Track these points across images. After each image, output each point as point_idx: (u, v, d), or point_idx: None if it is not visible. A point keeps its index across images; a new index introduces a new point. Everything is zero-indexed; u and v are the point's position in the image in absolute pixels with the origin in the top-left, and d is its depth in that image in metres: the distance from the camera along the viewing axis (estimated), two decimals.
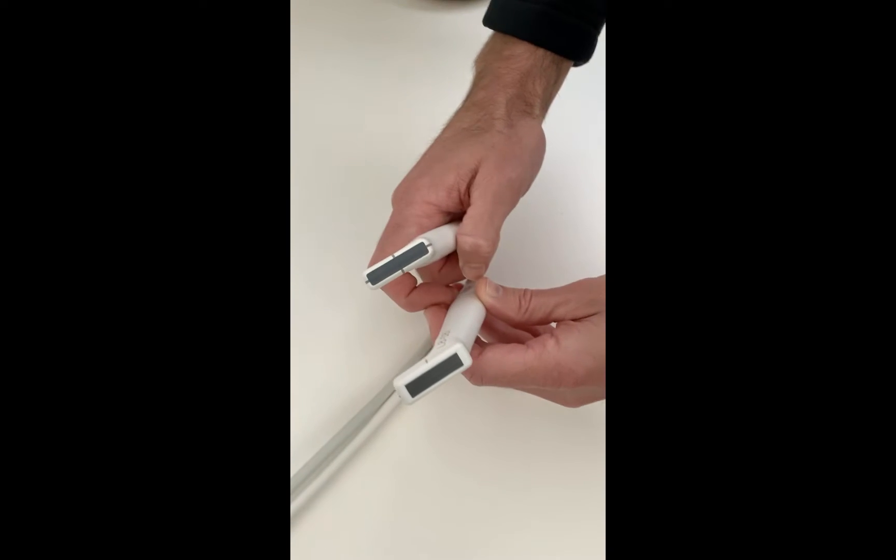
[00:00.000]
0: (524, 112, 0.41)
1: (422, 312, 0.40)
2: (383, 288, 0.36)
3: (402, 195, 0.39)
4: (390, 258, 0.35)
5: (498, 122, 0.40)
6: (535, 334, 0.40)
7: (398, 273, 0.35)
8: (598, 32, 0.45)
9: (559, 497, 0.43)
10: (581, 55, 0.44)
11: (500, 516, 0.42)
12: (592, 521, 0.41)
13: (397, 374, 0.33)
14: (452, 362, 0.32)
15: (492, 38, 0.44)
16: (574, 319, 0.37)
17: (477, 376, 0.36)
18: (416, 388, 0.33)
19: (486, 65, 0.43)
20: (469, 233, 0.37)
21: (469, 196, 0.38)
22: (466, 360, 0.32)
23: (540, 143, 0.41)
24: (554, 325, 0.38)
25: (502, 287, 0.38)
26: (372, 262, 0.38)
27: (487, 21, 0.45)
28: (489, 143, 0.39)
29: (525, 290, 0.38)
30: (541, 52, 0.42)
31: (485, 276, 0.38)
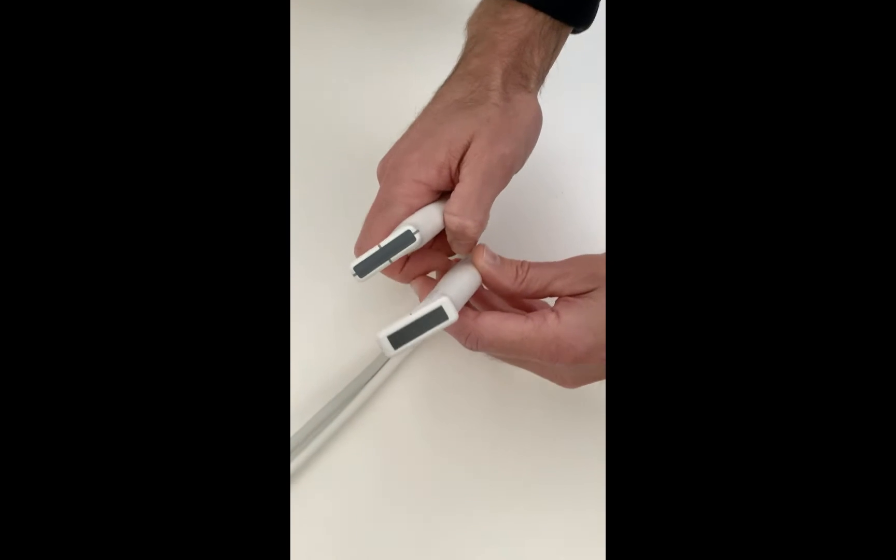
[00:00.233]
0: (520, 85, 0.39)
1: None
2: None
3: (391, 171, 0.37)
4: (376, 249, 0.33)
5: (493, 94, 0.38)
6: (528, 311, 0.39)
7: (385, 263, 0.33)
8: None
9: (553, 467, 0.42)
10: (582, 20, 0.42)
11: (493, 482, 0.42)
12: (590, 499, 0.41)
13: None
14: (437, 315, 0.32)
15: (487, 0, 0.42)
16: (573, 295, 0.36)
17: (472, 339, 0.35)
18: (397, 339, 0.32)
19: (480, 29, 0.40)
20: (456, 213, 0.35)
21: (459, 172, 0.36)
22: (452, 314, 0.31)
23: (536, 119, 0.39)
24: (551, 303, 0.37)
25: (500, 256, 0.37)
26: (358, 243, 0.36)
27: None
28: (483, 116, 0.37)
29: (523, 261, 0.37)
30: (540, 16, 0.40)
31: (482, 243, 0.37)
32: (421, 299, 0.38)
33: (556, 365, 0.35)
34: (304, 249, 0.46)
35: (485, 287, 0.38)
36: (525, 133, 0.38)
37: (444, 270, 0.38)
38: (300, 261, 0.46)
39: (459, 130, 0.36)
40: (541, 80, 0.41)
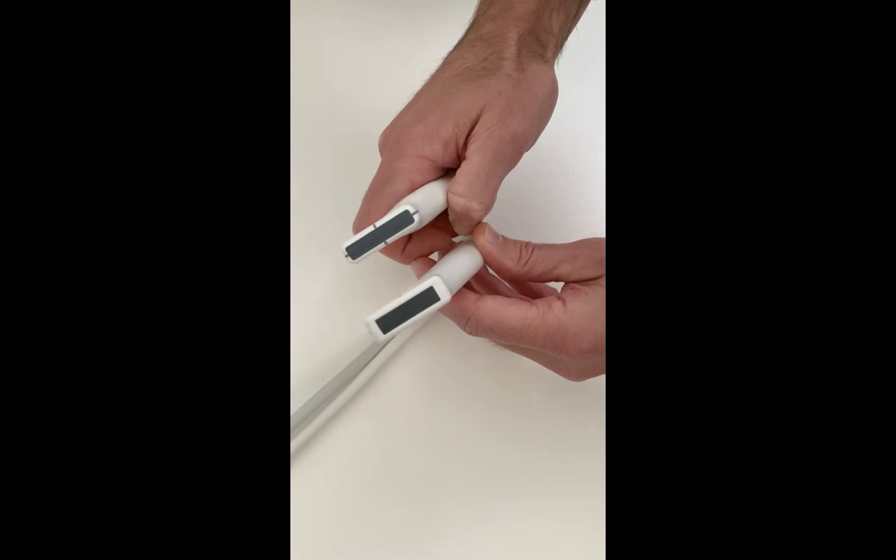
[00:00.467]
0: (536, 53, 0.36)
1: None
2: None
3: (393, 144, 0.34)
4: (371, 229, 0.31)
5: (507, 64, 0.35)
6: (535, 297, 0.37)
7: (381, 245, 0.31)
8: None
9: (555, 456, 0.42)
10: None
11: (492, 465, 0.41)
12: (591, 489, 0.40)
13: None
14: (427, 296, 0.30)
15: None
16: (580, 281, 0.34)
17: (472, 324, 0.33)
18: (387, 323, 0.30)
19: None
20: (462, 193, 0.33)
21: (466, 148, 0.34)
22: (444, 295, 0.30)
23: (551, 93, 0.36)
24: (557, 288, 0.35)
25: (503, 236, 0.35)
26: (356, 221, 0.34)
27: None
28: (495, 88, 0.34)
29: (527, 242, 0.35)
30: None
31: (484, 221, 0.35)
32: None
33: (560, 356, 0.34)
34: (305, 224, 0.45)
35: (491, 271, 0.36)
36: (539, 108, 0.35)
37: (446, 251, 0.36)
38: (301, 235, 0.44)
39: (469, 103, 0.34)
40: (558, 48, 0.38)
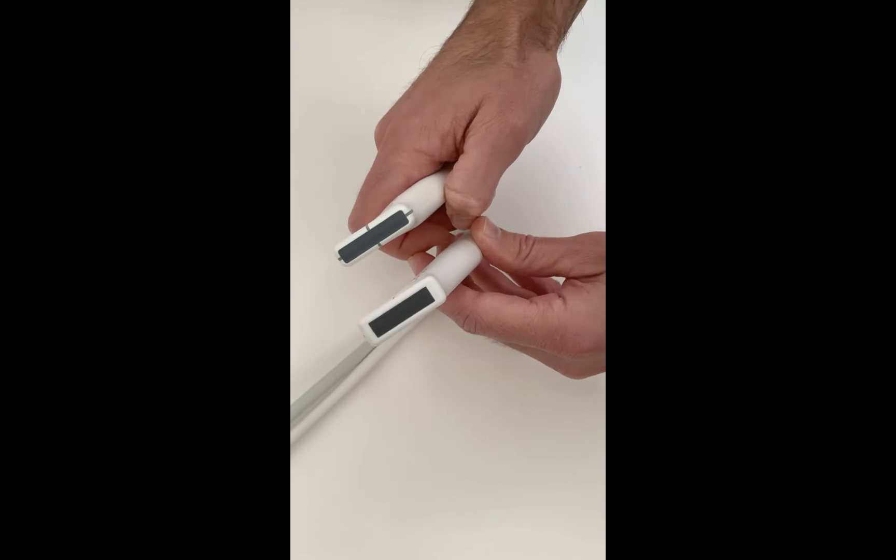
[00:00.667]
0: (538, 41, 0.34)
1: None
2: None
3: (389, 137, 0.33)
4: (364, 231, 0.30)
5: (508, 52, 0.33)
6: (540, 291, 0.37)
7: (374, 247, 0.30)
8: None
9: (555, 451, 0.41)
10: None
11: (491, 460, 0.41)
12: (592, 485, 0.40)
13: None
14: (422, 298, 0.29)
15: None
16: (581, 277, 0.33)
17: (470, 322, 0.33)
18: (381, 326, 0.30)
19: None
20: (459, 189, 0.32)
21: (464, 141, 0.32)
22: (439, 296, 0.29)
23: (554, 84, 0.35)
24: (559, 284, 0.35)
25: (502, 229, 0.34)
26: (351, 218, 0.33)
27: None
28: (495, 78, 0.33)
29: (527, 236, 0.34)
30: None
31: (483, 215, 0.34)
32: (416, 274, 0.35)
33: (560, 355, 0.33)
34: (303, 214, 0.44)
35: (492, 265, 0.35)
36: (541, 100, 0.34)
37: (445, 246, 0.35)
38: (299, 227, 0.43)
39: (468, 94, 0.32)
40: (562, 35, 0.36)
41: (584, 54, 0.41)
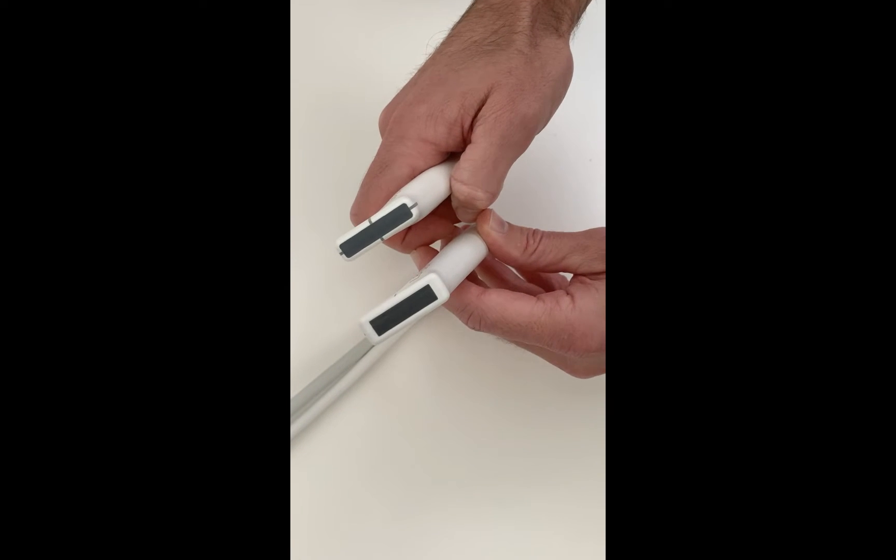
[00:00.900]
0: (550, 26, 0.33)
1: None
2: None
3: (394, 125, 0.32)
4: (366, 224, 0.29)
5: (519, 38, 0.32)
6: (546, 287, 0.36)
7: (377, 242, 0.29)
8: None
9: (558, 448, 0.41)
10: None
11: (494, 455, 0.40)
12: (593, 485, 0.39)
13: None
14: (424, 296, 0.28)
15: None
16: (590, 274, 0.32)
17: (475, 319, 0.31)
18: (381, 325, 0.28)
19: None
20: (466, 180, 0.31)
21: (472, 131, 0.31)
22: (442, 294, 0.28)
23: (566, 72, 0.33)
24: (566, 279, 0.34)
25: (508, 223, 0.33)
26: (353, 209, 0.32)
27: None
28: (506, 65, 0.31)
29: (535, 230, 0.33)
30: None
31: (490, 208, 0.33)
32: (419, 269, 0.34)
33: (567, 354, 0.32)
34: (302, 205, 0.42)
35: (497, 259, 0.34)
36: (552, 89, 0.32)
37: (449, 239, 0.34)
38: (298, 218, 0.42)
39: (477, 80, 0.31)
40: (575, 20, 0.35)
41: (596, 43, 0.39)
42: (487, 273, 0.36)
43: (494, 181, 0.31)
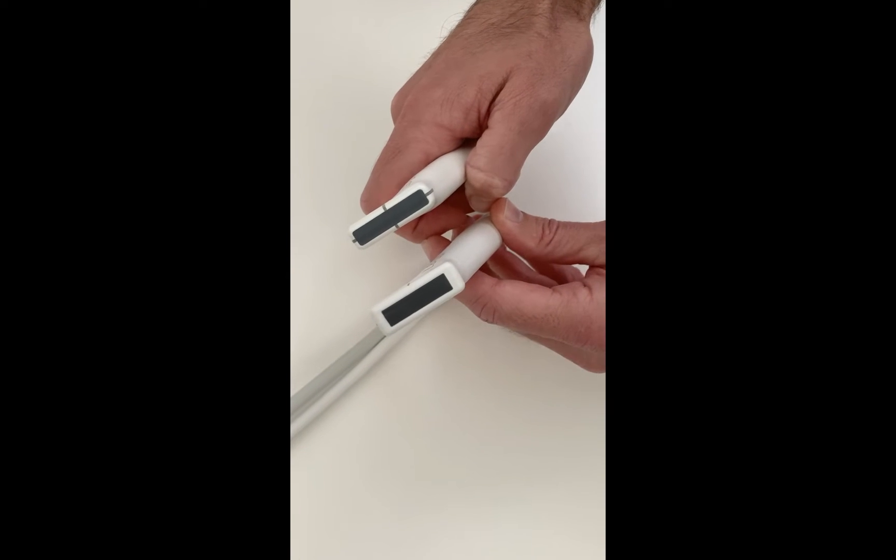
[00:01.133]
0: (571, 9, 0.32)
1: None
2: None
3: (408, 109, 0.31)
4: (380, 211, 0.28)
5: (538, 21, 0.31)
6: (560, 279, 0.34)
7: (391, 229, 0.28)
8: None
9: (564, 444, 0.40)
10: None
11: (499, 454, 0.40)
12: (599, 479, 0.39)
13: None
14: (438, 285, 0.27)
15: None
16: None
17: (488, 310, 0.30)
18: (394, 315, 0.28)
19: None
20: (483, 167, 0.29)
21: (489, 116, 0.30)
22: (457, 284, 0.27)
23: (586, 57, 0.32)
24: (580, 272, 0.33)
25: (523, 213, 0.32)
26: (364, 195, 0.30)
27: None
28: (525, 49, 0.30)
29: (551, 220, 0.32)
30: None
31: (504, 197, 0.31)
32: (430, 259, 0.33)
33: (583, 347, 0.31)
34: (303, 190, 0.41)
35: (510, 250, 0.33)
36: (572, 74, 0.31)
37: (461, 229, 0.33)
38: (299, 203, 0.41)
39: (495, 64, 0.30)
40: (596, 3, 0.34)
41: None
42: (499, 264, 0.34)
43: (511, 169, 0.30)
